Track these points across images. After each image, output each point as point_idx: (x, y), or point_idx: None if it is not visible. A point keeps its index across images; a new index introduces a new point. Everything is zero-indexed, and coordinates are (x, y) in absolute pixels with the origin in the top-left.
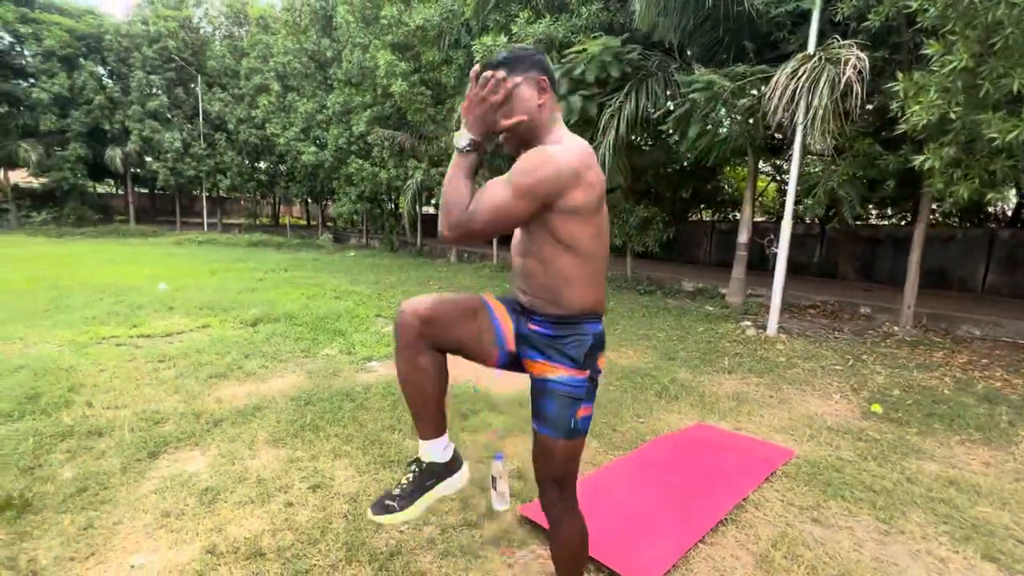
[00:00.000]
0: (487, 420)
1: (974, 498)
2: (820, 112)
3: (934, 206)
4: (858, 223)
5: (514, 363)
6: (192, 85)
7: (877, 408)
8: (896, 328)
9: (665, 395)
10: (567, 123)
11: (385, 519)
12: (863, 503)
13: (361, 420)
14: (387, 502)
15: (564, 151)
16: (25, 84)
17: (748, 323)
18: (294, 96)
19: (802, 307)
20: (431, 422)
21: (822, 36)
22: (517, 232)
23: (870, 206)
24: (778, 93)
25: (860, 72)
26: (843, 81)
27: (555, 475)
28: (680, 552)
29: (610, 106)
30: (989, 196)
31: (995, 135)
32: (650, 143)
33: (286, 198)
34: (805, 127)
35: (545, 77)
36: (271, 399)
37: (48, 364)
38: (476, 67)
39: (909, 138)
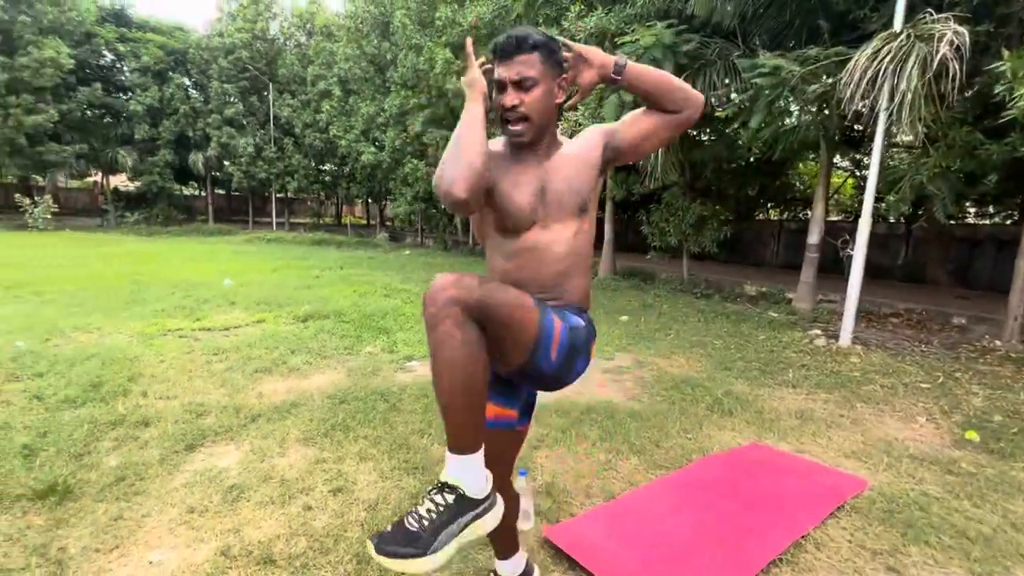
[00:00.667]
0: None
1: None
2: (908, 97)
3: None
4: (952, 222)
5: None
6: (264, 93)
7: (973, 435)
8: (998, 342)
9: (718, 409)
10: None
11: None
12: (954, 551)
13: (392, 422)
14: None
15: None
16: (124, 97)
17: (818, 332)
18: (355, 99)
19: (882, 315)
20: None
21: (911, 11)
22: (531, 239)
23: (967, 203)
24: (856, 77)
25: (958, 49)
26: (936, 60)
27: (489, 289)
28: None
29: None
30: None
31: None
32: (711, 137)
33: (348, 198)
34: (889, 115)
35: (565, 78)
36: (309, 396)
37: (116, 354)
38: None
39: (1020, 125)
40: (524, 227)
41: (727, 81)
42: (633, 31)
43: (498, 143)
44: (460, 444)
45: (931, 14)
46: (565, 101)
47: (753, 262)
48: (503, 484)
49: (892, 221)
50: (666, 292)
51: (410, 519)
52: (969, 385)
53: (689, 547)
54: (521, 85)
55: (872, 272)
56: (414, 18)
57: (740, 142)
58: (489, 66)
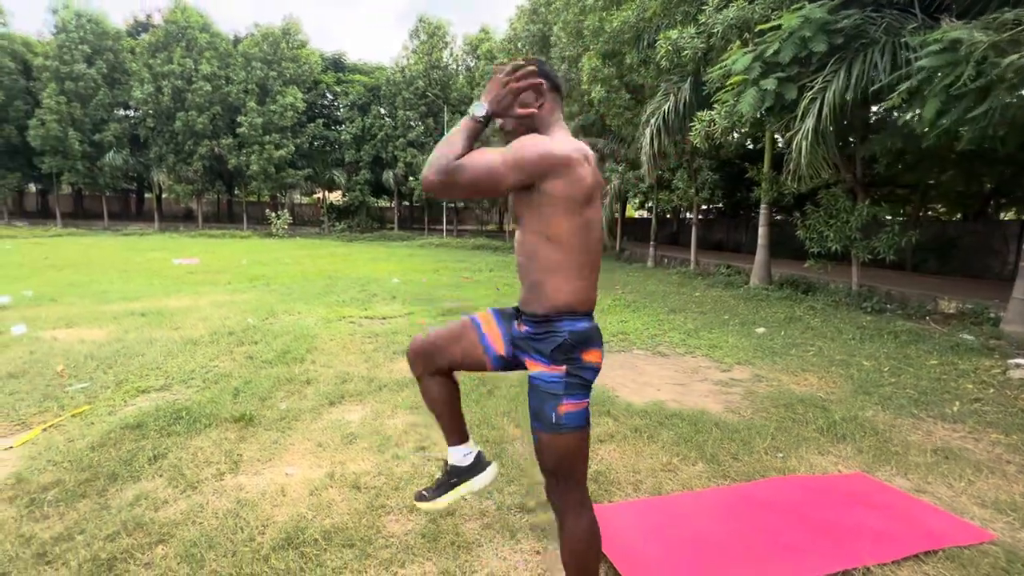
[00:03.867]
0: (602, 424)
1: None
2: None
3: None
4: None
5: (512, 365)
6: (440, 115)
7: None
8: None
9: (829, 432)
10: (758, 111)
11: (419, 505)
12: None
13: (483, 403)
14: (423, 492)
15: (559, 141)
16: (337, 129)
17: (1020, 361)
18: None
19: None
20: (450, 432)
21: None
22: (518, 234)
23: None
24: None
25: None
26: None
27: (548, 467)
28: None
29: (812, 86)
30: None
31: None
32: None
33: (508, 206)
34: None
35: (544, 81)
36: (391, 381)
37: (303, 331)
38: (518, 59)
39: None
40: (513, 220)
41: (893, 61)
42: (777, 16)
43: None
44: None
45: None
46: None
47: (975, 273)
48: (434, 369)
49: None
50: (824, 304)
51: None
52: None
53: (714, 553)
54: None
55: None
56: (570, 30)
57: (917, 131)
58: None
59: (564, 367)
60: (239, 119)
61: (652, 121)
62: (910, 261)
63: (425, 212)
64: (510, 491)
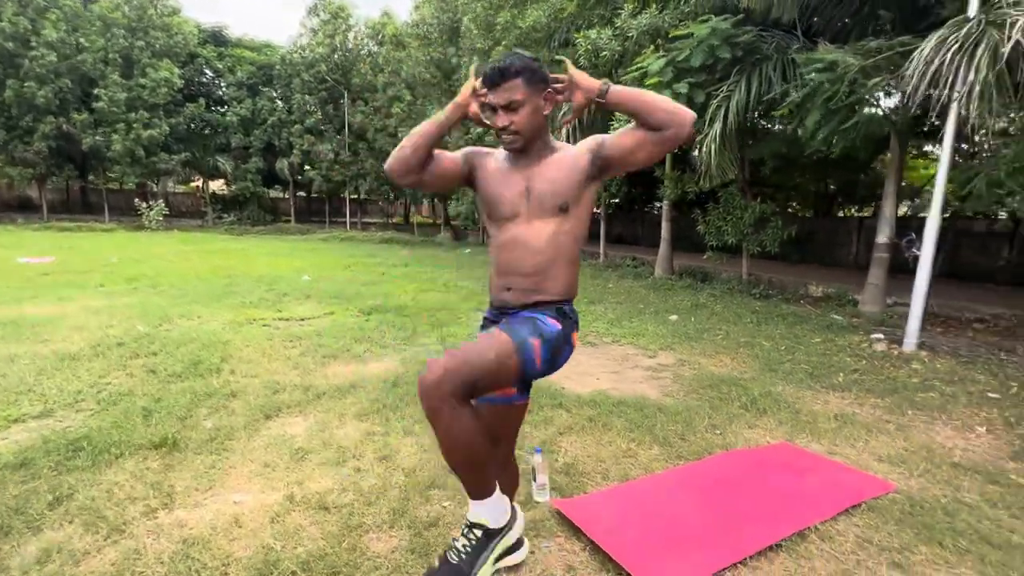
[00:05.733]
0: (549, 416)
1: None
2: (977, 88)
3: None
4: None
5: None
6: (341, 101)
7: None
8: None
9: (752, 408)
10: None
11: None
12: (969, 555)
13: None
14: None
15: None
16: (221, 110)
17: (880, 336)
18: (423, 103)
19: (963, 321)
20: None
21: None
22: (517, 230)
23: None
24: (920, 68)
25: None
26: (1009, 47)
27: (467, 357)
28: (713, 570)
29: (718, 94)
30: None
31: None
32: (769, 131)
33: (415, 199)
34: (959, 106)
35: (552, 91)
36: (367, 380)
37: (212, 338)
38: (475, 68)
39: None
40: (506, 217)
41: (783, 75)
42: (687, 26)
43: (498, 153)
44: (477, 495)
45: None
46: (558, 111)
47: (828, 261)
48: (507, 456)
49: (993, 218)
50: (721, 292)
51: (450, 554)
52: None
53: (690, 528)
54: (509, 107)
55: (966, 275)
56: (480, 22)
57: (799, 138)
58: (483, 91)
59: (561, 327)
60: (97, 92)
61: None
62: (778, 252)
63: (326, 204)
64: None
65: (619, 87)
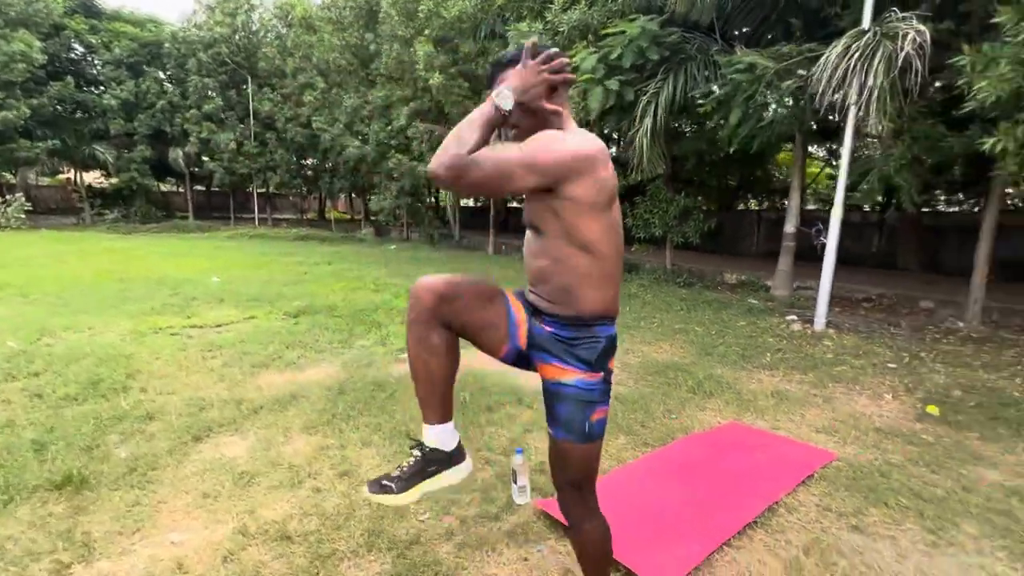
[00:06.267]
0: (512, 413)
1: None
2: (875, 92)
3: (1010, 190)
4: (923, 211)
5: (521, 360)
6: (244, 87)
7: (933, 410)
8: (961, 324)
9: (699, 391)
10: (605, 109)
11: (380, 499)
12: (909, 511)
13: (390, 410)
14: (385, 482)
15: (581, 139)
16: (96, 92)
17: (794, 317)
18: (338, 92)
19: (855, 301)
20: (438, 406)
21: (879, 9)
22: (529, 234)
23: (937, 192)
24: (828, 73)
25: (920, 47)
26: (901, 57)
27: (573, 479)
28: (703, 554)
29: (648, 91)
30: None
31: None
32: (691, 129)
33: (331, 193)
34: (859, 109)
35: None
36: (307, 388)
37: (110, 352)
38: (533, 39)
39: (979, 118)
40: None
41: (706, 74)
42: (615, 25)
43: None
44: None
45: (896, 12)
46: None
47: (734, 252)
48: (443, 322)
49: (866, 210)
50: (649, 282)
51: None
52: (932, 364)
53: (673, 516)
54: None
55: (847, 260)
56: (400, 8)
57: (720, 136)
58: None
59: (601, 373)
60: None
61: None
62: (692, 243)
63: (230, 199)
64: (465, 501)
65: (487, 107)
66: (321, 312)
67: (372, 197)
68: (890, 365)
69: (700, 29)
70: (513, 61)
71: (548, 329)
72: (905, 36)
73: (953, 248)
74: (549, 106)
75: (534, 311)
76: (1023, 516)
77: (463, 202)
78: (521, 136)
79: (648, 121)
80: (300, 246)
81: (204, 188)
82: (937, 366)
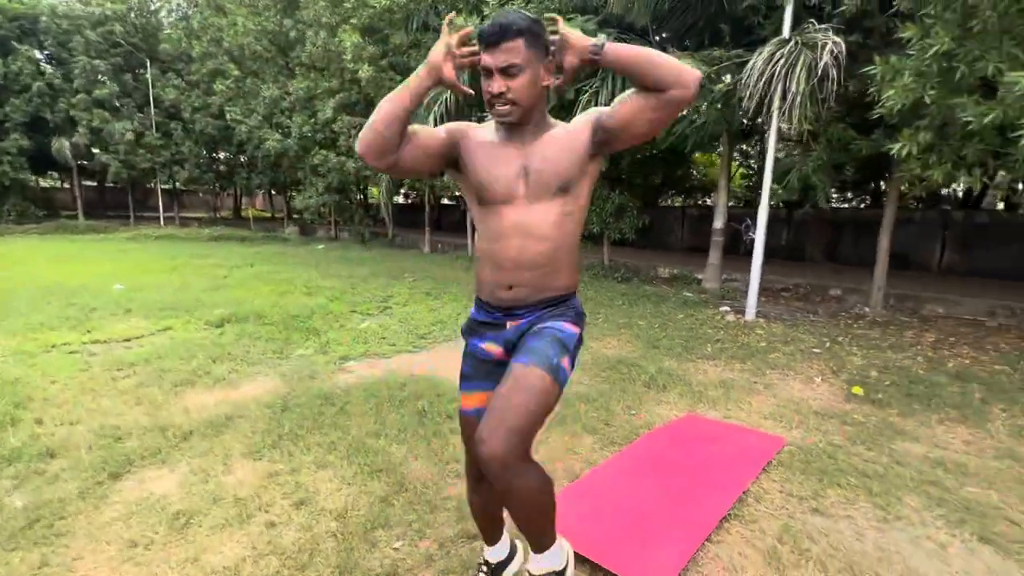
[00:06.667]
0: None
1: (961, 479)
2: (798, 98)
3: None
4: (830, 206)
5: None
6: (142, 71)
7: (858, 390)
8: (867, 309)
9: (653, 385)
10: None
11: None
12: (859, 490)
13: (343, 426)
14: None
15: None
16: None
17: (727, 308)
18: (254, 81)
19: (775, 291)
20: (498, 529)
21: (797, 20)
22: (530, 217)
23: (832, 190)
24: (754, 78)
25: (836, 57)
26: (821, 66)
27: (521, 425)
28: (689, 554)
29: (587, 91)
30: (960, 181)
31: (970, 119)
32: None
33: (248, 189)
34: (782, 113)
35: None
36: (245, 407)
37: None
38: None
39: (883, 123)
40: (500, 200)
41: None
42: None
43: (490, 124)
44: (545, 545)
45: (813, 24)
46: (554, 83)
47: (661, 247)
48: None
49: (777, 206)
50: (589, 278)
51: None
52: (850, 347)
53: (652, 515)
54: (507, 72)
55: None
56: None
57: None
58: (475, 52)
59: (579, 329)
60: None
61: (435, 108)
62: (628, 239)
63: (128, 196)
64: (440, 521)
65: (617, 44)
66: (249, 320)
67: (295, 194)
68: (815, 350)
69: (635, 31)
70: (523, 33)
71: (522, 321)
72: (824, 46)
73: (849, 241)
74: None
75: (502, 313)
76: (950, 485)
77: (396, 199)
78: (517, 118)
79: None
80: (216, 247)
81: (96, 184)
82: (853, 349)
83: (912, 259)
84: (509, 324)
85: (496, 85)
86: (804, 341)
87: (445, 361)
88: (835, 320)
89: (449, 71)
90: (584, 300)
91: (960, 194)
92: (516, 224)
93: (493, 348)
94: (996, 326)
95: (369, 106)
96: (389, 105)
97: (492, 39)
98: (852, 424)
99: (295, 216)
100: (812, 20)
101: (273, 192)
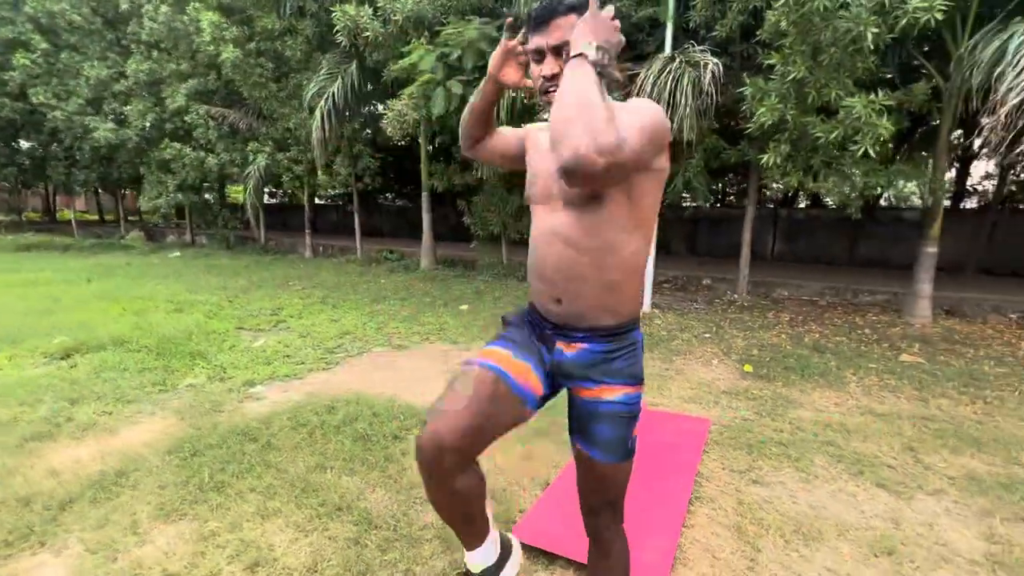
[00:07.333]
0: None
1: (846, 436)
2: (687, 110)
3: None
4: (684, 206)
5: (546, 401)
6: None
7: (748, 368)
8: (736, 295)
9: None
10: (446, 111)
11: None
12: (781, 458)
13: (277, 464)
14: None
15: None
16: None
17: None
18: (72, 56)
19: (659, 283)
20: (477, 534)
21: (676, 40)
22: (558, 222)
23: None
24: (647, 91)
25: (714, 75)
26: (705, 83)
27: (611, 499)
28: (675, 543)
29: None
30: (810, 185)
31: (820, 135)
32: None
33: (68, 187)
34: (672, 123)
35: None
36: (138, 457)
37: None
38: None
39: (745, 135)
40: (538, 201)
41: None
42: (450, 22)
43: None
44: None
45: (693, 45)
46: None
47: None
48: (472, 461)
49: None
50: (492, 278)
51: None
52: (731, 331)
53: (627, 507)
54: (560, 51)
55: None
56: None
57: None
58: (521, 49)
59: (643, 384)
60: None
61: (322, 103)
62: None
63: None
64: (426, 555)
65: (579, 66)
66: (107, 347)
67: (132, 192)
68: (706, 335)
69: None
70: (576, 8)
71: (580, 346)
72: (706, 66)
73: (704, 235)
74: (618, 73)
75: (553, 328)
76: (841, 443)
77: (268, 199)
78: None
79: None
80: (30, 258)
81: None
82: (734, 332)
83: (754, 250)
84: (560, 344)
85: (549, 66)
86: (695, 328)
87: (367, 376)
88: (713, 307)
89: (510, 76)
90: (493, 300)
91: (780, 194)
92: (554, 229)
93: (522, 370)
94: (826, 304)
95: (230, 94)
96: (467, 110)
97: (542, 17)
98: (754, 399)
99: (132, 219)
100: (692, 41)
101: (101, 191)
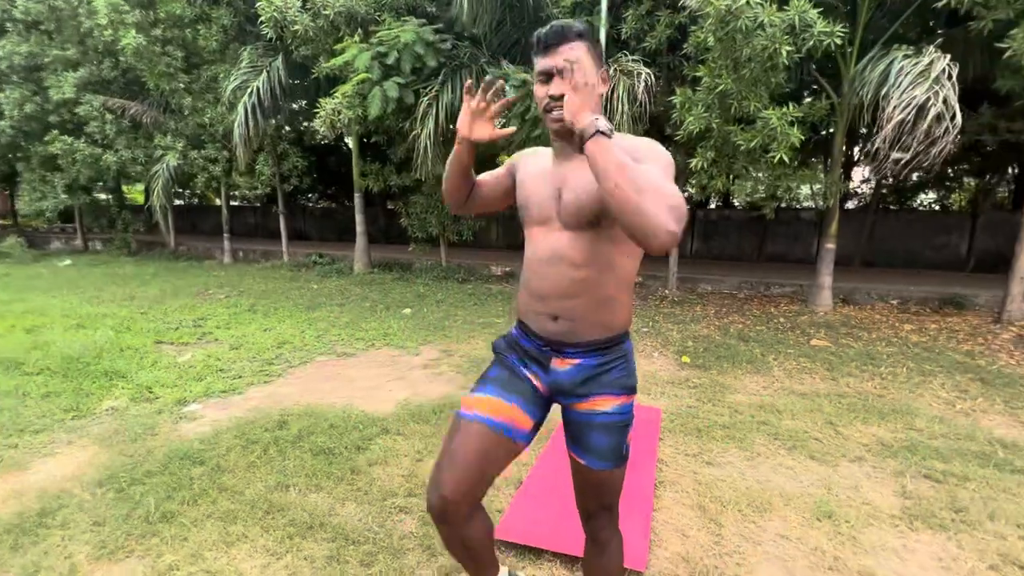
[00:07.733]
0: (388, 446)
1: (777, 415)
2: (624, 117)
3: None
4: None
5: (539, 424)
6: None
7: (686, 359)
8: (667, 291)
9: None
10: (383, 113)
11: None
12: (726, 440)
13: (232, 487)
14: None
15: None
16: None
17: None
18: None
19: None
20: (489, 568)
21: (608, 50)
22: (559, 242)
23: None
24: None
25: (647, 84)
26: (640, 91)
27: (607, 504)
28: (648, 526)
29: (427, 95)
30: (732, 188)
31: (741, 142)
32: None
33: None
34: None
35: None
36: (61, 493)
37: None
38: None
39: (674, 142)
40: (536, 221)
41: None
42: (385, 22)
43: (548, 151)
44: None
45: (626, 55)
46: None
47: (485, 245)
48: (479, 505)
49: None
50: (431, 280)
51: None
52: (666, 324)
53: None
54: (563, 72)
55: None
56: None
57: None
58: (484, 103)
59: (636, 393)
60: None
61: (245, 98)
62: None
63: None
64: (412, 564)
65: (602, 146)
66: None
67: (7, 192)
68: (644, 330)
69: (470, 39)
70: (583, 35)
71: (574, 362)
72: (639, 75)
73: None
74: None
75: (544, 345)
76: (774, 422)
77: (177, 200)
78: (563, 137)
79: (431, 123)
80: None
81: None
82: (669, 325)
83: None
84: (555, 361)
85: (556, 87)
86: (634, 324)
87: (314, 387)
88: (648, 303)
89: (482, 132)
90: (435, 303)
91: (697, 197)
92: (554, 249)
93: (535, 380)
94: (744, 296)
95: (131, 84)
96: (445, 174)
97: (551, 40)
98: (695, 387)
99: (5, 223)
100: (625, 51)
101: None
